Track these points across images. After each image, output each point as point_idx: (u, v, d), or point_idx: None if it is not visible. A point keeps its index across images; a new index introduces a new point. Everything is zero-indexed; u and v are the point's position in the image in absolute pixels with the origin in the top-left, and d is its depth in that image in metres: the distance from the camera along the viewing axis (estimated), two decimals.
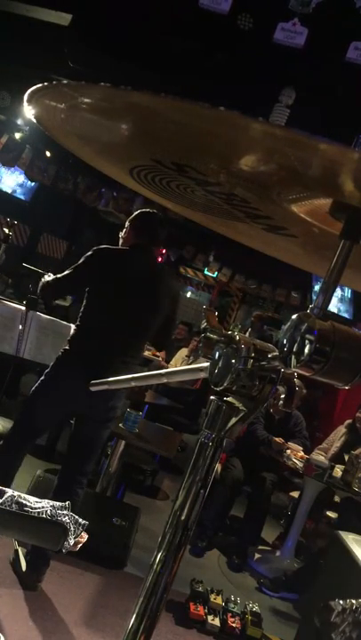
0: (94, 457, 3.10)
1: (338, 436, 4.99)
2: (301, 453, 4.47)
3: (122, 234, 3.10)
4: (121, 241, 3.10)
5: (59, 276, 2.99)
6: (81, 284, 2.97)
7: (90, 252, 2.92)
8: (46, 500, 1.40)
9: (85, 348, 2.89)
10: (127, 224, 3.09)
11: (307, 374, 0.83)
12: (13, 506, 1.34)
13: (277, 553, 4.61)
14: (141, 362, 3.07)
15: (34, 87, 0.82)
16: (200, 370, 1.04)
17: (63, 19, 4.05)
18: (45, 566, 2.98)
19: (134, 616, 0.99)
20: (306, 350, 0.80)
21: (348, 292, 6.70)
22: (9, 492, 1.36)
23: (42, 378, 2.95)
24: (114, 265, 2.95)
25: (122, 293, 2.91)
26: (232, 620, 3.28)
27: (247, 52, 3.49)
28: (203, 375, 1.02)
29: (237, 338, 0.95)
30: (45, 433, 3.12)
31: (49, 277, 3.04)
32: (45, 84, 0.80)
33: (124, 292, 2.91)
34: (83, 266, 2.90)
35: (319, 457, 4.61)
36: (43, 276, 3.12)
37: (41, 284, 3.05)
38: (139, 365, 3.08)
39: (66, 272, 2.96)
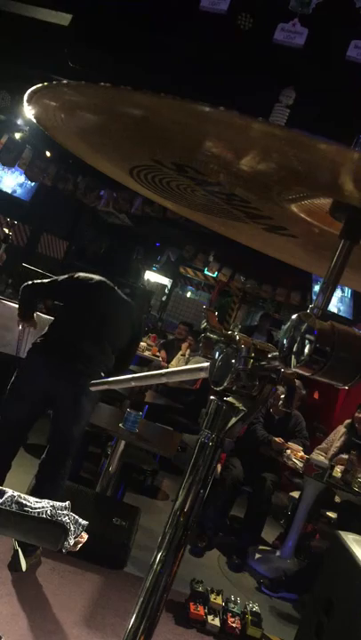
0: (66, 446, 3.25)
1: (338, 436, 4.99)
2: (301, 453, 4.47)
3: None
4: None
5: (38, 281, 3.50)
6: (52, 294, 3.69)
7: (66, 275, 3.50)
8: (46, 500, 1.40)
9: (51, 341, 3.32)
10: None
11: (307, 374, 0.83)
12: (13, 506, 1.34)
13: (277, 553, 4.61)
14: (106, 369, 3.35)
15: (34, 87, 0.82)
16: (200, 370, 1.05)
17: (63, 19, 4.04)
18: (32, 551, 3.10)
19: (134, 616, 0.99)
20: (306, 350, 0.80)
21: (348, 292, 6.69)
22: (9, 492, 1.36)
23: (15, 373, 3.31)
24: (82, 289, 3.45)
25: (86, 312, 3.41)
26: (232, 620, 3.28)
27: (247, 51, 3.49)
28: (203, 375, 1.02)
29: (237, 338, 0.95)
30: (25, 428, 3.23)
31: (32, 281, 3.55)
32: (45, 83, 0.80)
33: (88, 311, 3.42)
34: (58, 283, 3.47)
35: (319, 457, 4.61)
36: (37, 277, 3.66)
37: (24, 284, 3.51)
38: (101, 372, 3.37)
39: (46, 281, 3.51)
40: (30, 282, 3.50)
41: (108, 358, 3.40)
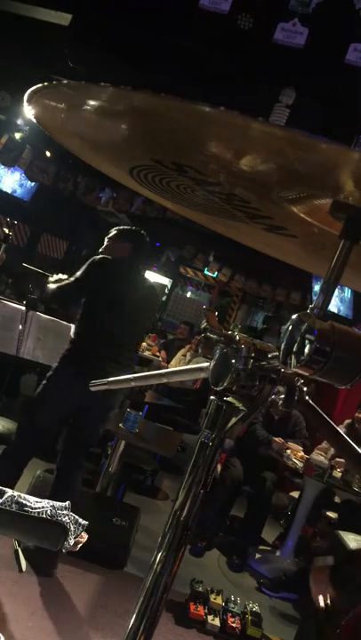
0: (88, 450, 3.36)
1: None
2: (301, 453, 4.47)
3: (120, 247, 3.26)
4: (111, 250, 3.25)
5: (63, 285, 3.22)
6: (83, 293, 3.21)
7: (88, 264, 3.16)
8: (46, 500, 1.40)
9: (82, 352, 3.17)
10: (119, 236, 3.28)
11: (307, 374, 0.83)
12: (13, 506, 1.34)
13: (277, 553, 4.61)
14: (133, 362, 3.39)
15: (34, 87, 0.82)
16: (200, 370, 1.05)
17: (63, 19, 4.04)
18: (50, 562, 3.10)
19: (134, 616, 1.00)
20: (306, 350, 0.80)
21: (348, 293, 6.69)
22: (9, 492, 1.36)
23: (44, 381, 3.19)
24: (108, 279, 3.19)
25: (112, 306, 3.18)
26: (232, 620, 3.28)
27: (247, 52, 3.49)
28: (203, 375, 1.02)
29: (237, 338, 0.95)
30: (48, 435, 3.26)
31: (53, 286, 3.27)
32: (45, 83, 0.80)
33: (115, 304, 3.18)
34: (84, 275, 3.17)
35: (319, 457, 4.61)
36: (43, 278, 3.45)
37: (50, 292, 3.28)
38: (130, 366, 3.34)
39: (70, 281, 3.20)
40: (54, 290, 3.24)
41: (134, 354, 3.43)
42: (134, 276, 3.28)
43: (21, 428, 3.23)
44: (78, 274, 3.18)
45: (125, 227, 3.40)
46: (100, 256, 3.19)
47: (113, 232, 3.29)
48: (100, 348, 3.16)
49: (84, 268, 3.17)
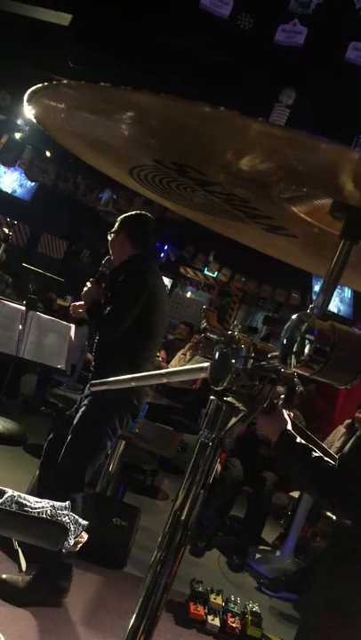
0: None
1: (337, 436, 4.99)
2: None
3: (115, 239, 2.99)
4: (117, 249, 2.99)
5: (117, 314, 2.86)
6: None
7: (137, 282, 2.87)
8: (46, 500, 1.40)
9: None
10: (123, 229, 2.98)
11: (307, 374, 0.83)
12: (13, 506, 1.34)
13: (277, 553, 4.61)
14: None
15: (34, 87, 0.82)
16: (200, 370, 1.05)
17: (63, 19, 4.05)
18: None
19: (134, 616, 1.00)
20: (306, 350, 0.80)
21: (348, 293, 6.69)
22: (9, 491, 1.36)
23: (93, 412, 2.72)
24: (156, 291, 2.96)
25: (160, 318, 3.02)
26: (232, 620, 3.28)
27: (247, 52, 3.49)
28: (203, 375, 1.02)
29: (237, 338, 0.95)
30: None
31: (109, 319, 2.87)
32: (45, 83, 0.80)
33: (162, 317, 3.03)
34: (136, 297, 2.86)
35: None
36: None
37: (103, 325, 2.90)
38: None
39: (120, 308, 2.84)
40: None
41: None
42: (162, 282, 3.08)
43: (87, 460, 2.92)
44: (124, 306, 2.85)
45: (125, 214, 3.09)
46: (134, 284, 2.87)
47: (116, 223, 3.03)
48: (147, 364, 3.02)
49: (125, 300, 2.84)
